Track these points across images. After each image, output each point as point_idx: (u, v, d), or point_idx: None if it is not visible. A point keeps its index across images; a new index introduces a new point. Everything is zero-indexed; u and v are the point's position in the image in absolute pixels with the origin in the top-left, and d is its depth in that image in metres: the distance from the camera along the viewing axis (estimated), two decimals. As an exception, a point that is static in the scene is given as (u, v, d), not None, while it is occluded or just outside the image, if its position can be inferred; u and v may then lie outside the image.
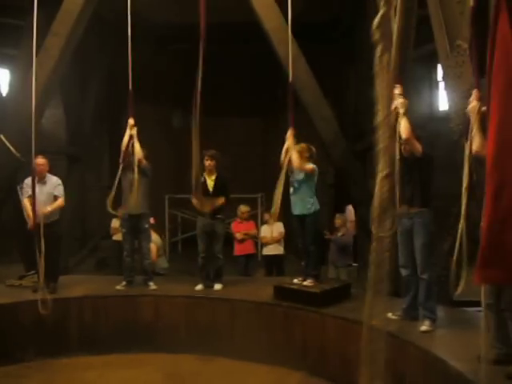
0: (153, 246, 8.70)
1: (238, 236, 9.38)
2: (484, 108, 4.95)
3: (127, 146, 7.24)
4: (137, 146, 7.23)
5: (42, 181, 7.08)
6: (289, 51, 7.31)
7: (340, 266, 8.52)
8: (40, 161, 7.02)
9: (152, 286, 7.40)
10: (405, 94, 5.26)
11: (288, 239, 9.54)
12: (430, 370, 4.64)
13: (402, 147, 5.28)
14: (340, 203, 11.90)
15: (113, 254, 10.23)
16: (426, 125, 8.99)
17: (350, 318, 5.79)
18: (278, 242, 9.53)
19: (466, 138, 4.20)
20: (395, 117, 5.12)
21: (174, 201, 15.24)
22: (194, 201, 7.21)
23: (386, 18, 1.58)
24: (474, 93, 4.27)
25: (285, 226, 9.40)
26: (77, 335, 6.88)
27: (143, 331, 6.91)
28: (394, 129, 5.19)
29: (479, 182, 4.30)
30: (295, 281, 6.79)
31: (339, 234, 8.71)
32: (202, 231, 7.36)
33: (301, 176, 6.65)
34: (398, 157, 5.10)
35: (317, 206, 6.70)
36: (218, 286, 7.33)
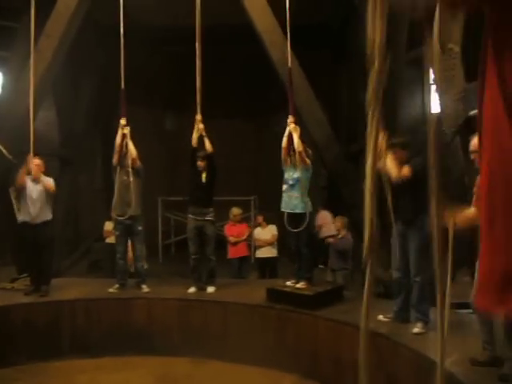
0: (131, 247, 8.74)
1: (232, 239, 9.37)
2: (472, 112, 5.01)
3: (120, 146, 7.24)
4: (130, 145, 7.24)
5: (37, 180, 7.08)
6: (282, 53, 7.31)
7: (337, 270, 8.50)
8: (36, 161, 7.08)
9: (145, 288, 7.38)
10: (397, 101, 5.30)
11: (282, 242, 9.54)
12: (421, 371, 4.65)
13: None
14: (333, 205, 11.92)
15: (105, 256, 10.20)
16: (419, 127, 9.01)
17: (343, 320, 5.81)
18: (271, 244, 9.53)
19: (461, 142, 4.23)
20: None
21: (167, 203, 15.21)
22: None
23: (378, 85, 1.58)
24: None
25: (278, 229, 9.42)
26: (69, 338, 6.85)
27: (136, 334, 6.89)
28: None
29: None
30: (288, 283, 6.79)
31: (339, 236, 8.69)
32: (193, 233, 7.36)
33: (296, 173, 6.65)
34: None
35: (310, 208, 6.70)
36: (210, 289, 7.32)
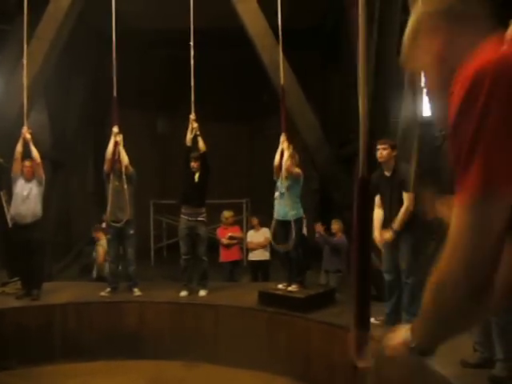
0: (100, 249, 8.75)
1: (224, 240, 9.33)
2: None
3: (113, 153, 7.24)
4: (122, 153, 7.24)
5: (28, 179, 7.10)
6: (275, 57, 7.34)
7: (331, 272, 8.50)
8: (27, 163, 7.11)
9: (136, 292, 7.37)
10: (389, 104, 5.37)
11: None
12: (413, 374, 4.66)
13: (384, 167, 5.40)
14: (325, 208, 11.93)
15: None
16: (409, 130, 9.04)
17: (335, 323, 5.82)
18: (263, 247, 9.53)
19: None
20: None
21: (158, 206, 15.16)
22: None
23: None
24: None
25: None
26: (61, 342, 6.83)
27: (128, 338, 6.87)
28: None
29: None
30: (280, 286, 6.80)
31: (335, 238, 8.70)
32: (184, 233, 7.36)
33: (288, 182, 6.67)
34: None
35: (301, 213, 6.73)
36: (202, 292, 7.31)
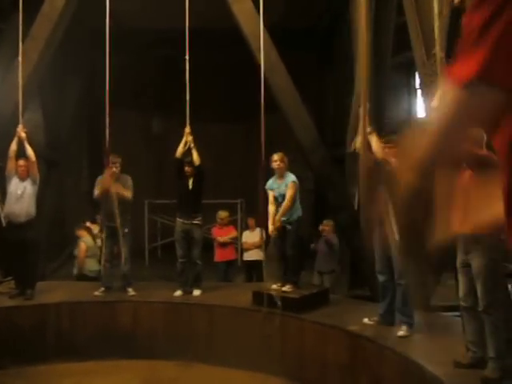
0: (82, 245, 8.75)
1: (220, 239, 9.34)
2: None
3: (107, 183, 7.21)
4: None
5: (22, 178, 7.08)
6: (268, 56, 7.35)
7: (324, 272, 8.52)
8: (21, 162, 7.10)
9: (130, 291, 7.36)
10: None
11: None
12: (406, 374, 4.69)
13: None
14: (320, 209, 11.95)
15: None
16: (403, 131, 9.08)
17: (329, 323, 5.84)
18: (258, 247, 9.53)
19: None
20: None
21: (153, 206, 15.16)
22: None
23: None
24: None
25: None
26: (55, 342, 6.81)
27: (121, 337, 6.86)
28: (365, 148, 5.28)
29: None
30: (274, 286, 6.80)
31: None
32: (180, 237, 7.37)
33: (283, 190, 6.68)
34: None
35: (299, 213, 6.74)
36: (196, 292, 7.32)
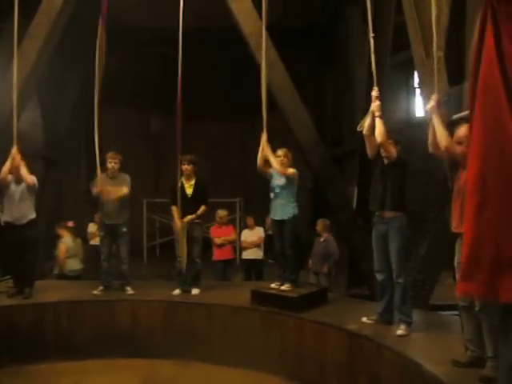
0: (62, 246, 8.76)
1: (217, 241, 9.35)
2: (455, 116, 5.09)
3: (101, 186, 7.19)
4: (110, 193, 7.22)
5: (18, 181, 7.02)
6: (267, 55, 7.33)
7: (320, 273, 8.52)
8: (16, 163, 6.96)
9: (129, 290, 7.36)
10: (381, 98, 5.41)
11: (270, 243, 9.56)
12: (405, 373, 4.69)
13: (381, 149, 5.40)
14: (319, 208, 11.96)
15: (90, 258, 10.15)
16: (403, 130, 9.09)
17: (327, 322, 5.84)
18: (257, 246, 9.55)
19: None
20: (372, 119, 5.34)
21: (152, 205, 15.17)
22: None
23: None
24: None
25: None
26: (53, 341, 6.80)
27: (120, 336, 6.85)
28: (370, 130, 5.40)
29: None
30: (273, 285, 6.80)
31: (321, 239, 8.72)
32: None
33: (282, 181, 6.66)
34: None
35: (296, 211, 6.72)
36: (195, 291, 7.31)
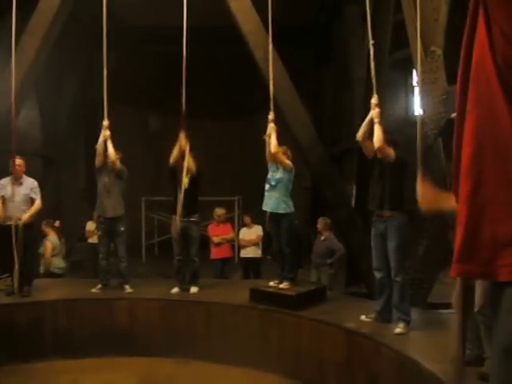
0: (48, 244, 8.80)
1: (215, 240, 9.36)
2: (454, 115, 5.10)
3: (102, 148, 7.17)
4: (110, 148, 7.13)
5: (18, 182, 7.00)
6: (266, 53, 7.33)
7: (321, 270, 8.52)
8: (17, 161, 6.98)
9: (128, 289, 7.36)
10: (380, 103, 5.44)
11: (268, 242, 9.55)
12: (403, 371, 4.69)
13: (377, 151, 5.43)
14: (317, 206, 11.96)
15: (88, 256, 10.16)
16: (401, 129, 9.10)
17: (326, 320, 5.84)
18: (255, 244, 9.55)
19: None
20: (371, 125, 5.39)
21: (150, 203, 15.18)
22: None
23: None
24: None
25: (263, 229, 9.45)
26: (51, 339, 6.80)
27: (119, 334, 6.85)
28: (365, 137, 5.44)
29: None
30: (271, 283, 6.81)
31: (322, 238, 8.72)
32: (177, 233, 7.34)
33: (278, 174, 6.65)
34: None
35: (292, 209, 6.72)
36: (193, 289, 7.31)
